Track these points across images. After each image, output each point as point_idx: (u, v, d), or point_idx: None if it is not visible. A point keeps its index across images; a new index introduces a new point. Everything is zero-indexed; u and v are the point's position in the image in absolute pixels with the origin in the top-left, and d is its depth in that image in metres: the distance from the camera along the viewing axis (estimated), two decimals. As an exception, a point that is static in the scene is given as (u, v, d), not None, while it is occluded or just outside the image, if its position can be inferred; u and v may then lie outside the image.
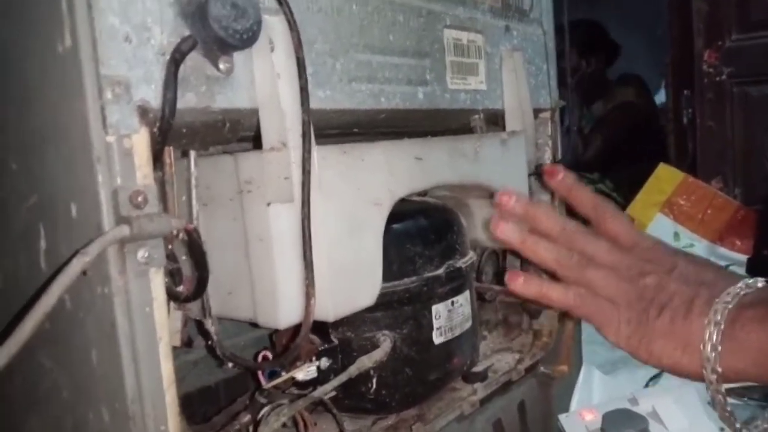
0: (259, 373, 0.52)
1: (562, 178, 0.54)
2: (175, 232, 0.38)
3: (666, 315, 0.46)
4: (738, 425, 0.44)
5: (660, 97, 2.20)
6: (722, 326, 0.43)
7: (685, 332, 0.45)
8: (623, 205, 1.70)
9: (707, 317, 0.44)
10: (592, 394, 0.81)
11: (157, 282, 0.37)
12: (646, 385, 0.86)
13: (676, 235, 1.55)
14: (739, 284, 0.44)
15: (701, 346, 0.43)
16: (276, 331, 0.57)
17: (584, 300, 0.50)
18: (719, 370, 0.43)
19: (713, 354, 0.43)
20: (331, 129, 0.56)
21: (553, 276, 0.52)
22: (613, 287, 0.50)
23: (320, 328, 0.54)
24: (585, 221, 0.56)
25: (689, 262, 0.48)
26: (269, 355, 0.53)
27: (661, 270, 0.48)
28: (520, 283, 0.51)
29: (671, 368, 0.47)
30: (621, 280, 0.50)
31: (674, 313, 0.46)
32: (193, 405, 0.63)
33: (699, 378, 0.46)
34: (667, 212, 1.56)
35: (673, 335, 0.46)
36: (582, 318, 0.52)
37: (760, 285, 0.43)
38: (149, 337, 0.36)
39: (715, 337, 0.43)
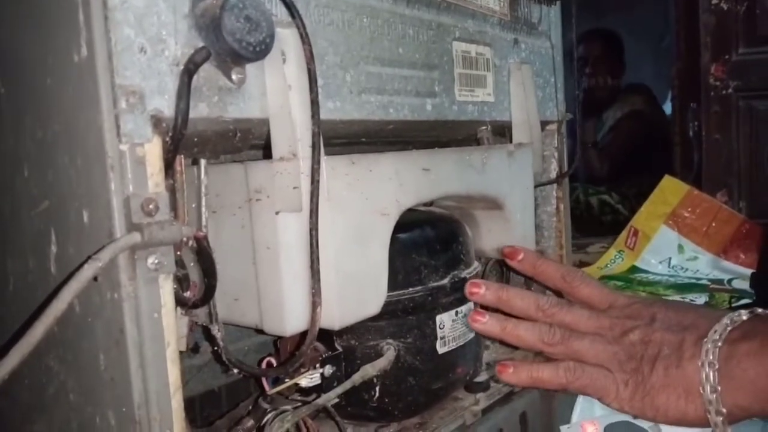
0: (263, 379, 0.52)
1: (523, 257, 0.55)
2: (184, 239, 0.39)
3: (659, 367, 0.46)
4: None
5: (666, 109, 2.20)
6: (717, 365, 0.43)
7: (682, 379, 0.45)
8: (628, 217, 1.70)
9: (700, 359, 0.44)
10: (594, 407, 0.81)
11: (167, 288, 0.37)
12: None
13: (680, 247, 1.55)
14: (724, 320, 0.44)
15: (701, 389, 0.43)
16: (281, 337, 0.58)
17: (576, 373, 0.51)
18: (723, 411, 0.43)
19: (714, 396, 0.43)
20: (338, 138, 0.56)
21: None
22: (601, 353, 0.50)
23: (324, 335, 0.54)
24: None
25: (667, 308, 0.48)
26: (273, 361, 0.54)
27: (642, 323, 0.48)
28: (510, 374, 0.53)
29: (680, 421, 0.47)
30: (607, 343, 0.50)
31: (667, 363, 0.46)
32: (195, 409, 0.63)
33: (707, 423, 0.45)
34: (671, 224, 1.56)
35: (672, 386, 0.46)
36: (579, 392, 0.53)
37: (744, 318, 0.43)
38: (157, 342, 0.37)
39: (712, 378, 0.43)
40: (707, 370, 0.43)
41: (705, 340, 0.43)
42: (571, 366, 0.50)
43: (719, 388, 0.42)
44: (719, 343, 0.42)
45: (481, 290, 0.52)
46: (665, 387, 0.46)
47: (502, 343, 0.69)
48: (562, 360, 0.50)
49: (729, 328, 0.43)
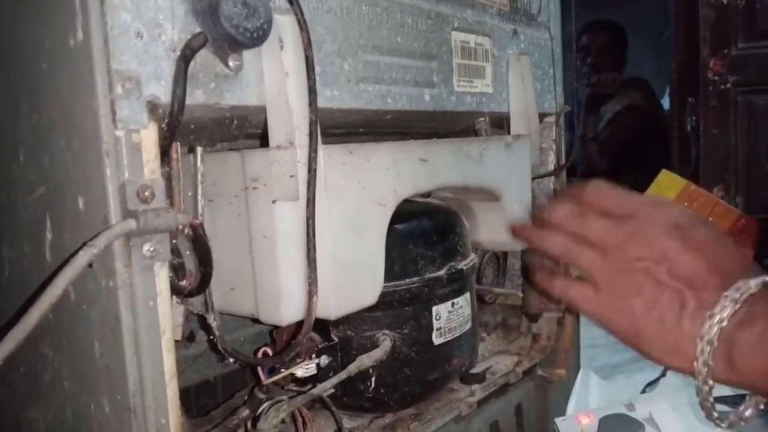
0: (259, 369, 0.52)
1: (530, 228, 0.53)
2: (180, 227, 0.39)
3: (653, 315, 0.45)
4: (716, 415, 0.45)
5: (664, 104, 2.20)
6: (716, 345, 0.42)
7: (673, 339, 0.44)
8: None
9: (697, 330, 0.43)
10: (589, 399, 0.81)
11: (162, 276, 0.37)
12: (643, 391, 0.86)
13: (677, 241, 1.55)
14: (732, 293, 0.42)
15: (694, 363, 0.43)
16: (276, 327, 0.57)
17: (570, 282, 0.49)
18: (710, 383, 0.43)
19: (705, 369, 0.42)
20: (336, 128, 0.56)
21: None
22: (597, 271, 0.48)
23: (321, 326, 0.54)
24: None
25: (680, 251, 0.46)
26: (269, 351, 0.53)
27: (651, 259, 0.46)
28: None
29: (659, 363, 0.47)
30: (607, 263, 0.48)
31: (661, 317, 0.45)
32: (190, 399, 0.63)
33: (687, 374, 0.45)
34: (668, 219, 1.56)
35: (663, 339, 0.45)
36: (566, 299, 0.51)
37: (753, 289, 0.42)
38: (153, 330, 0.37)
39: (707, 354, 0.42)
40: (705, 346, 0.42)
41: (709, 313, 0.42)
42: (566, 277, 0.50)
43: (711, 364, 0.42)
44: (723, 323, 0.42)
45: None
46: (655, 338, 0.45)
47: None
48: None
49: (737, 307, 0.42)
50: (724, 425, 0.45)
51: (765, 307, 0.42)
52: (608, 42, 2.13)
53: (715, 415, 0.45)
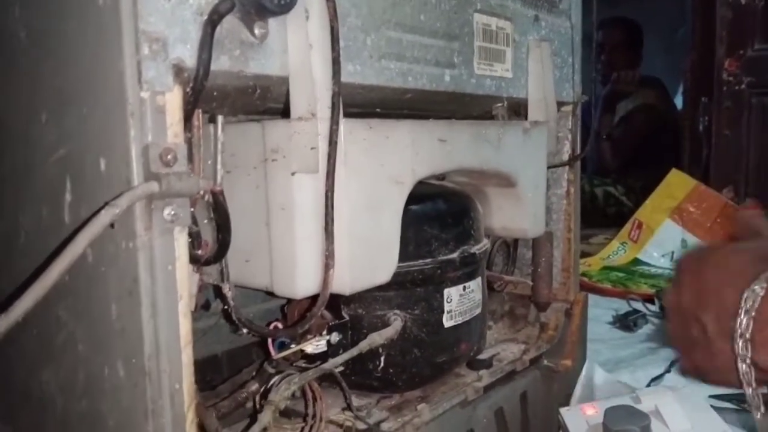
0: (269, 343, 0.52)
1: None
2: (202, 193, 0.38)
3: (697, 349, 0.48)
4: (763, 410, 0.45)
5: (677, 102, 2.19)
6: (749, 356, 0.43)
7: (713, 358, 0.46)
8: (632, 210, 1.70)
9: (730, 346, 0.44)
10: (594, 391, 0.81)
11: (182, 241, 0.37)
12: (648, 385, 0.86)
13: (684, 241, 1.55)
14: (745, 303, 0.43)
15: (738, 377, 0.44)
16: (288, 303, 0.57)
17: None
18: (757, 394, 0.44)
19: (744, 381, 0.43)
20: (355, 107, 0.56)
21: None
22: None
23: (332, 304, 0.54)
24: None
25: (689, 287, 0.48)
26: (280, 326, 0.53)
27: (675, 304, 0.49)
28: None
29: (737, 386, 0.48)
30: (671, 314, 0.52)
31: (701, 345, 0.47)
32: (197, 372, 0.63)
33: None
34: (676, 218, 1.56)
35: (710, 363, 0.47)
36: None
37: (761, 293, 0.43)
38: (170, 294, 0.36)
39: (744, 366, 0.43)
40: (742, 366, 0.43)
41: (734, 334, 0.43)
42: None
43: (755, 385, 0.43)
44: (747, 335, 0.43)
45: None
46: (707, 366, 0.47)
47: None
48: None
49: (753, 315, 0.43)
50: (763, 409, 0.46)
51: None
52: (623, 40, 2.11)
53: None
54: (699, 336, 0.46)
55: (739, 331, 0.42)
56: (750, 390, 0.43)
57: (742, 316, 0.42)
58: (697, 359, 0.47)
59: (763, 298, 0.42)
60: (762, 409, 0.45)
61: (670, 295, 0.50)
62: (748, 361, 0.42)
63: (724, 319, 0.44)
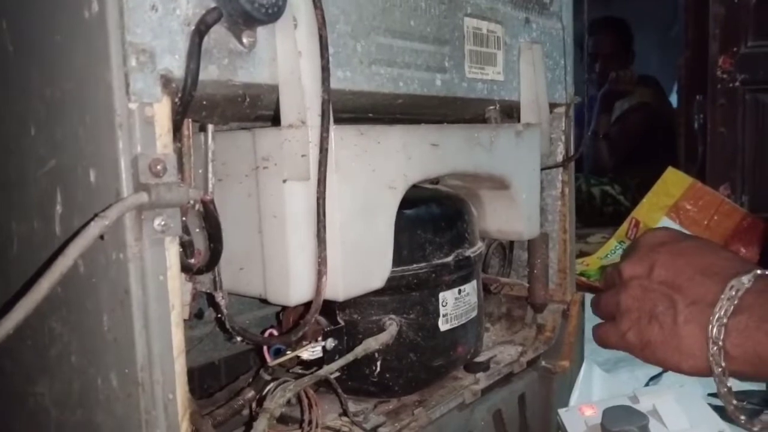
0: (265, 350, 0.52)
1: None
2: (192, 203, 0.38)
3: (655, 324, 0.49)
4: (743, 419, 0.45)
5: (672, 100, 2.19)
6: (721, 344, 0.44)
7: (676, 339, 0.47)
8: (630, 209, 1.70)
9: (700, 325, 0.45)
10: (592, 391, 0.81)
11: (172, 251, 0.37)
12: (647, 385, 0.86)
13: (681, 239, 1.55)
14: (728, 292, 0.44)
15: (708, 360, 0.45)
16: (283, 310, 0.57)
17: (601, 329, 0.55)
18: (728, 384, 0.44)
19: (718, 369, 0.44)
20: (346, 113, 0.56)
21: None
22: (611, 304, 0.54)
23: (326, 310, 0.54)
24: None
25: (669, 256, 0.50)
26: (275, 333, 0.53)
27: (642, 274, 0.51)
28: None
29: (675, 370, 0.49)
30: (615, 293, 0.53)
31: (662, 321, 0.48)
32: (194, 380, 0.63)
33: (703, 375, 0.47)
34: (673, 216, 1.56)
35: (668, 343, 0.48)
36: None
37: (747, 284, 0.44)
38: (162, 304, 0.36)
39: (717, 354, 0.44)
40: (711, 347, 0.43)
41: (711, 317, 0.44)
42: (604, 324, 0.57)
43: (724, 364, 0.43)
44: (724, 320, 0.43)
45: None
46: (662, 344, 0.48)
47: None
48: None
49: (735, 303, 0.43)
50: (756, 429, 0.46)
51: (753, 298, 0.43)
52: (615, 42, 2.12)
53: (742, 418, 0.45)
54: (664, 313, 0.47)
55: (717, 315, 0.43)
56: (719, 370, 0.44)
57: (724, 302, 0.43)
58: (652, 334, 0.48)
59: (748, 289, 0.43)
60: (742, 419, 0.46)
61: (633, 266, 0.51)
62: (720, 343, 0.43)
63: (702, 303, 0.44)
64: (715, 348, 0.43)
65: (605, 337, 0.57)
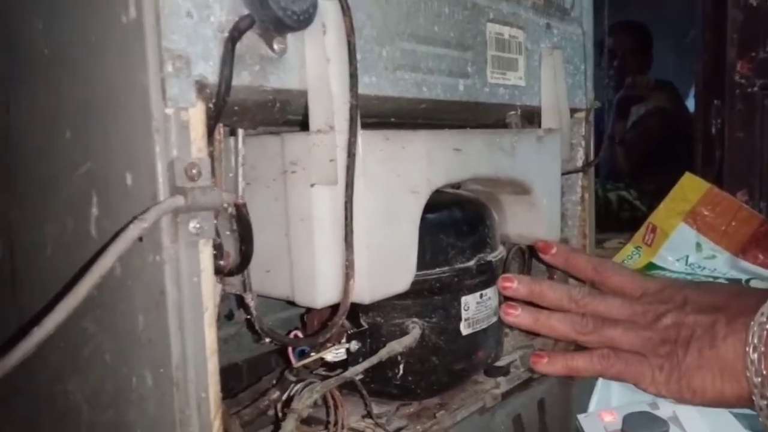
0: (290, 351, 0.53)
1: (556, 251, 0.55)
2: (225, 205, 0.39)
3: (693, 349, 0.46)
4: None
5: (689, 106, 2.18)
6: (762, 348, 0.42)
7: (717, 360, 0.45)
8: (646, 214, 1.69)
9: (745, 343, 0.43)
10: (611, 397, 0.81)
11: (206, 253, 0.38)
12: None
13: (698, 245, 1.54)
14: (759, 316, 0.43)
15: (746, 373, 0.43)
16: (307, 311, 0.58)
17: (610, 360, 0.51)
18: (764, 404, 0.43)
19: (759, 379, 0.43)
20: (370, 117, 0.57)
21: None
22: (634, 338, 0.50)
23: (350, 312, 0.54)
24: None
25: (699, 290, 0.49)
26: (300, 334, 0.54)
27: (674, 307, 0.49)
28: (544, 364, 0.53)
29: (719, 401, 0.47)
30: (640, 329, 0.50)
31: (701, 344, 0.46)
32: (220, 381, 0.64)
33: (747, 404, 0.45)
34: (690, 222, 1.55)
35: (707, 367, 0.46)
36: (615, 379, 0.53)
37: None
38: (196, 306, 0.37)
39: (757, 362, 0.43)
40: (752, 354, 0.43)
41: (752, 322, 0.43)
42: (605, 353, 0.51)
43: (765, 372, 0.42)
44: (766, 326, 0.42)
45: (514, 284, 0.53)
46: (700, 368, 0.46)
47: (528, 332, 0.69)
48: (596, 348, 0.51)
49: (767, 327, 0.43)
50: None
51: None
52: (634, 44, 2.12)
53: None
54: (702, 336, 0.46)
55: (758, 321, 0.42)
56: (758, 380, 0.43)
57: (764, 309, 0.42)
58: (688, 360, 0.46)
59: None
60: None
61: (665, 303, 0.49)
62: (763, 348, 0.42)
63: (743, 316, 0.44)
64: (755, 354, 0.43)
65: (640, 381, 0.52)
